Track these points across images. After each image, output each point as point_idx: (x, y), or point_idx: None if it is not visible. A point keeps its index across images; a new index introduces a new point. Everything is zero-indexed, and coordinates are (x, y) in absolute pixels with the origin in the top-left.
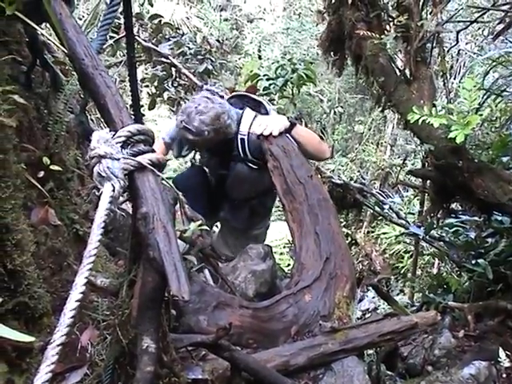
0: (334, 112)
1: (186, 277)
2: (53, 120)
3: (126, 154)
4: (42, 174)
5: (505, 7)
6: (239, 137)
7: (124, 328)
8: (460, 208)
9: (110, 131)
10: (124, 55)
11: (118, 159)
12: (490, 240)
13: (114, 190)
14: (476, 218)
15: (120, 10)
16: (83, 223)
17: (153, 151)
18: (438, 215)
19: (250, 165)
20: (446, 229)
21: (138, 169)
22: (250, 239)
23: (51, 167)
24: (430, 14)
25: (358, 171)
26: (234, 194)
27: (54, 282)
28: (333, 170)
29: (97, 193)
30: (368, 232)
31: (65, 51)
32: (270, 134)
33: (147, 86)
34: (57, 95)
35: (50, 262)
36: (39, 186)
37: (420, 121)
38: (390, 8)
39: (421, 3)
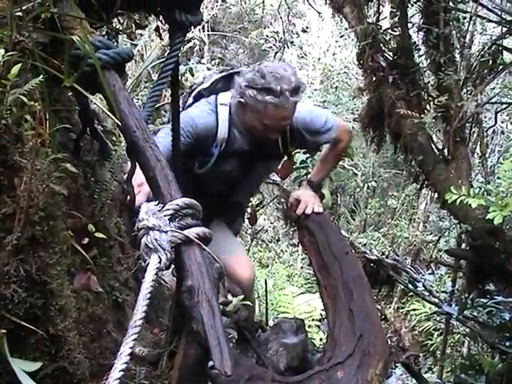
0: (368, 186)
1: (229, 351)
2: (99, 188)
3: (173, 227)
4: (86, 240)
5: None
6: None
7: None
8: (494, 288)
9: (159, 204)
10: (163, 122)
11: (166, 232)
12: None
13: (160, 262)
14: (511, 299)
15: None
16: (123, 290)
17: (200, 225)
18: (472, 295)
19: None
20: (480, 309)
21: (184, 242)
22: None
23: (96, 234)
24: (470, 94)
25: (390, 246)
26: (241, 196)
27: (93, 349)
28: (365, 244)
29: (143, 263)
30: (398, 308)
31: (117, 122)
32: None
33: None
34: (103, 164)
35: (89, 328)
36: (83, 253)
37: (458, 201)
38: (431, 88)
39: (461, 84)
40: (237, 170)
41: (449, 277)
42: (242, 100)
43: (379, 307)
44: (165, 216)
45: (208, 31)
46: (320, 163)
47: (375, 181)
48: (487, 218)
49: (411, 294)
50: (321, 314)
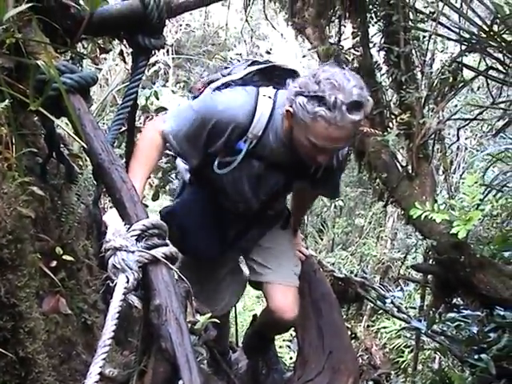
0: (335, 205)
1: (198, 369)
2: (66, 211)
3: (140, 247)
4: (54, 263)
5: (503, 105)
6: None
7: None
8: (462, 302)
9: (125, 225)
10: None
11: (133, 252)
12: (492, 335)
13: (128, 282)
14: (478, 313)
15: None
16: (92, 313)
17: (166, 245)
18: (440, 310)
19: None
20: (448, 323)
21: (151, 262)
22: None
23: (64, 257)
24: (432, 111)
25: (359, 264)
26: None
27: (63, 371)
28: (333, 263)
29: (111, 284)
30: (368, 326)
31: (83, 145)
32: None
33: (149, 178)
34: (70, 187)
35: (59, 350)
36: (52, 275)
37: (422, 216)
38: (393, 106)
39: (423, 101)
40: (257, 175)
41: (418, 293)
42: (291, 109)
43: (349, 325)
44: (131, 236)
45: (172, 54)
46: (297, 211)
47: (342, 200)
48: (451, 232)
49: (381, 311)
50: (291, 334)
